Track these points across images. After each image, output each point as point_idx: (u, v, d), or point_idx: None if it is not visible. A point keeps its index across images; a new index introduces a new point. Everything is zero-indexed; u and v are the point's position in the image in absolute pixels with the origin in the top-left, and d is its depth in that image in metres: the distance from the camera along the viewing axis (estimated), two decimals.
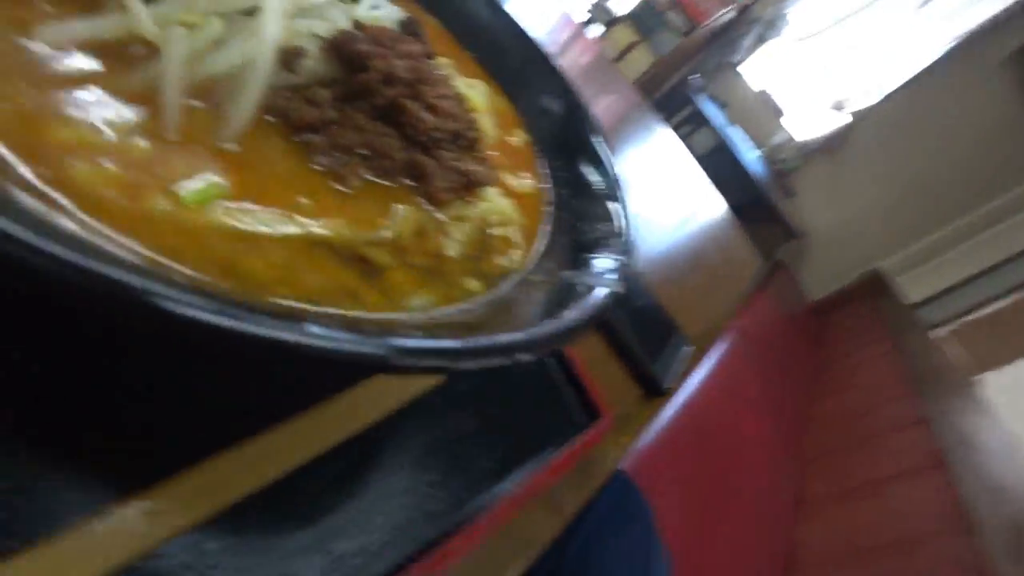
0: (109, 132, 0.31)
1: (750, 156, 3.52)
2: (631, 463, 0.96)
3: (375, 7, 0.50)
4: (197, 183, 0.32)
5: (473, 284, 0.42)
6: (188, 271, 0.29)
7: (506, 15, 0.68)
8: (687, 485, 1.34)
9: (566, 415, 0.62)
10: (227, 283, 0.30)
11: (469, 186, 0.46)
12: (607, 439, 0.65)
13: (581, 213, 0.52)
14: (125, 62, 0.33)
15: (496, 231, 0.47)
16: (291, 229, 0.35)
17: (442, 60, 0.62)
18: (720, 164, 3.43)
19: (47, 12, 0.32)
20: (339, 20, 0.43)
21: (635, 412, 0.76)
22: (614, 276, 0.39)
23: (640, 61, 4.24)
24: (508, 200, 0.50)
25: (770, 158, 3.90)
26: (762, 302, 2.57)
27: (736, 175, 3.29)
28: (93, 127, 0.30)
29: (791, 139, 4.08)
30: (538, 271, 0.45)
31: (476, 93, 0.58)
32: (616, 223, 0.48)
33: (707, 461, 1.47)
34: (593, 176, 0.55)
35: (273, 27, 0.35)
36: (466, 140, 0.49)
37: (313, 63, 0.40)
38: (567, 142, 0.61)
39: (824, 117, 3.98)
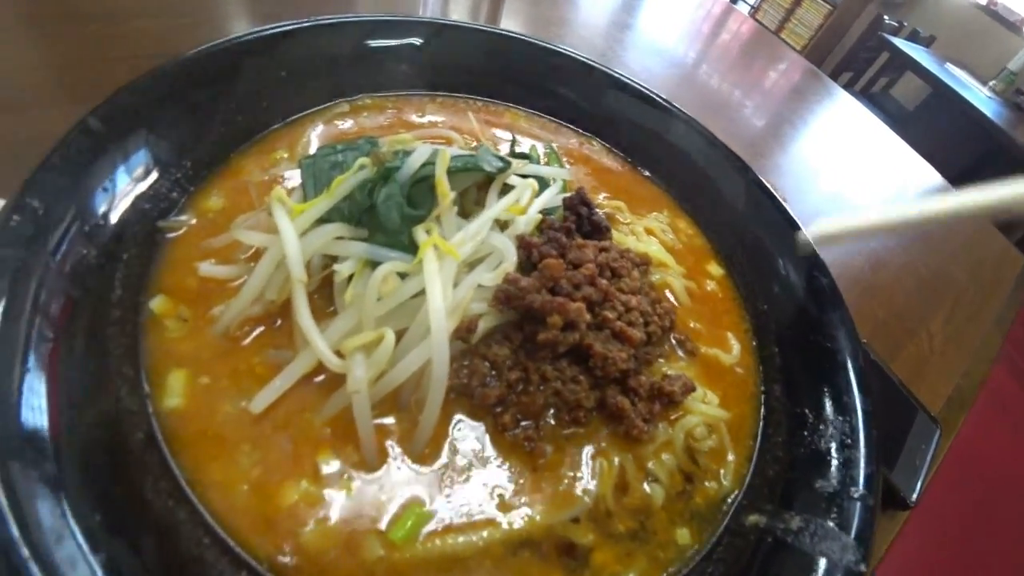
0: (323, 483, 0.32)
1: (978, 94, 2.80)
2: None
3: (538, 194, 0.47)
4: (403, 517, 0.32)
5: (683, 535, 0.37)
6: None
7: (687, 122, 0.60)
8: None
9: None
10: None
11: (670, 405, 0.40)
12: None
13: (797, 391, 0.43)
14: (321, 393, 0.34)
15: (704, 445, 0.40)
16: (494, 535, 0.33)
17: (614, 206, 0.56)
18: (937, 116, 2.81)
19: (254, 367, 0.34)
20: (507, 252, 0.40)
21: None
22: (852, 543, 0.30)
23: (814, 14, 3.70)
24: (713, 397, 0.43)
25: (1008, 90, 3.08)
26: None
27: (962, 125, 2.65)
28: (309, 484, 0.32)
29: None
30: (753, 506, 0.38)
31: (654, 246, 0.52)
32: (851, 417, 0.38)
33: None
34: (815, 332, 0.45)
35: (442, 323, 0.33)
36: (660, 333, 0.43)
37: (485, 321, 0.38)
38: (776, 267, 0.52)
39: None
